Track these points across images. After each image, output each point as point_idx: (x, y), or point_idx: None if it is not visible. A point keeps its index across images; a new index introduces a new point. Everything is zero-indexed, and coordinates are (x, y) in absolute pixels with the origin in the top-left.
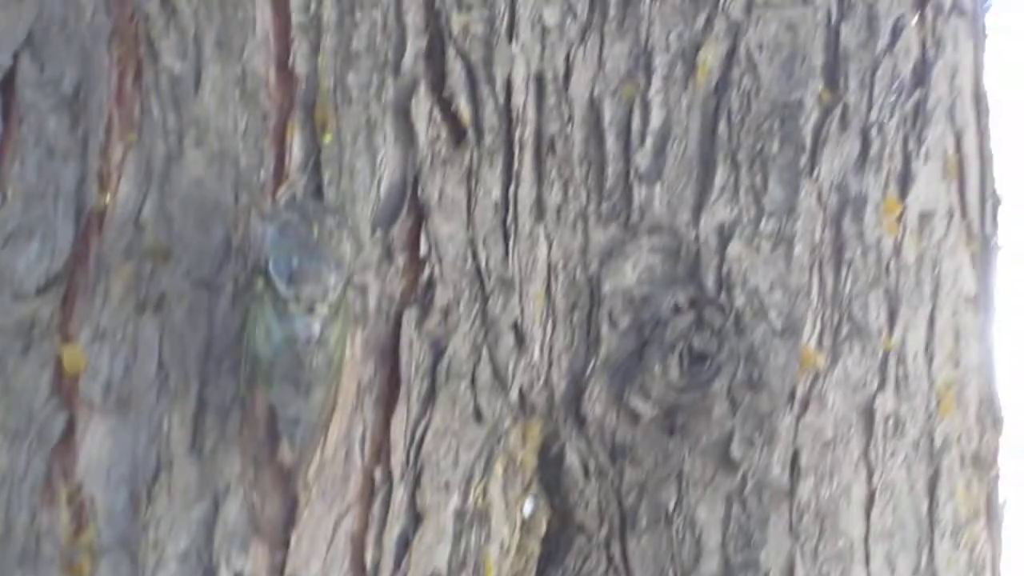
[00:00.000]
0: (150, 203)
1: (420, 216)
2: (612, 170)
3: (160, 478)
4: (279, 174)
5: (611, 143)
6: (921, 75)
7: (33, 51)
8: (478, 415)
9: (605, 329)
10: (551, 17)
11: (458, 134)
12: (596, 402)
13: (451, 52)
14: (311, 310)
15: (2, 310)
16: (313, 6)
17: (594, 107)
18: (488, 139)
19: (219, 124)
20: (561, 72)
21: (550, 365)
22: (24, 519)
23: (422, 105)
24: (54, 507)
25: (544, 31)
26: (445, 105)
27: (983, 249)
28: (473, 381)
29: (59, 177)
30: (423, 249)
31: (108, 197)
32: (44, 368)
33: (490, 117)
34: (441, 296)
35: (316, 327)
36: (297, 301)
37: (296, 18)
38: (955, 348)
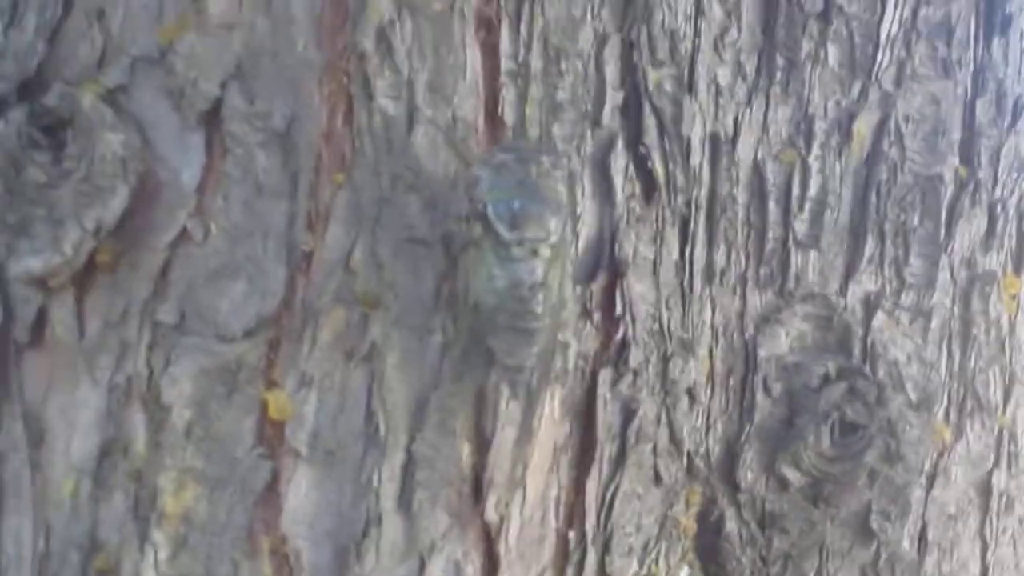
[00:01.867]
0: (360, 247)
1: (616, 274)
2: (772, 235)
3: (369, 534)
4: None
5: (772, 208)
6: None
7: (242, 82)
8: (657, 479)
9: (760, 396)
10: (724, 77)
11: (649, 191)
12: (748, 469)
13: (647, 108)
14: (535, 253)
15: (206, 351)
16: (522, 53)
17: (757, 170)
18: (676, 198)
19: (431, 169)
20: (731, 133)
21: (708, 429)
22: (225, 572)
23: (619, 160)
24: (256, 560)
25: (718, 91)
26: (640, 161)
27: None
28: (655, 444)
29: (268, 215)
30: (619, 308)
31: (316, 239)
32: (248, 414)
33: (678, 176)
34: (634, 357)
35: (540, 270)
36: (520, 245)
37: (505, 64)
38: None
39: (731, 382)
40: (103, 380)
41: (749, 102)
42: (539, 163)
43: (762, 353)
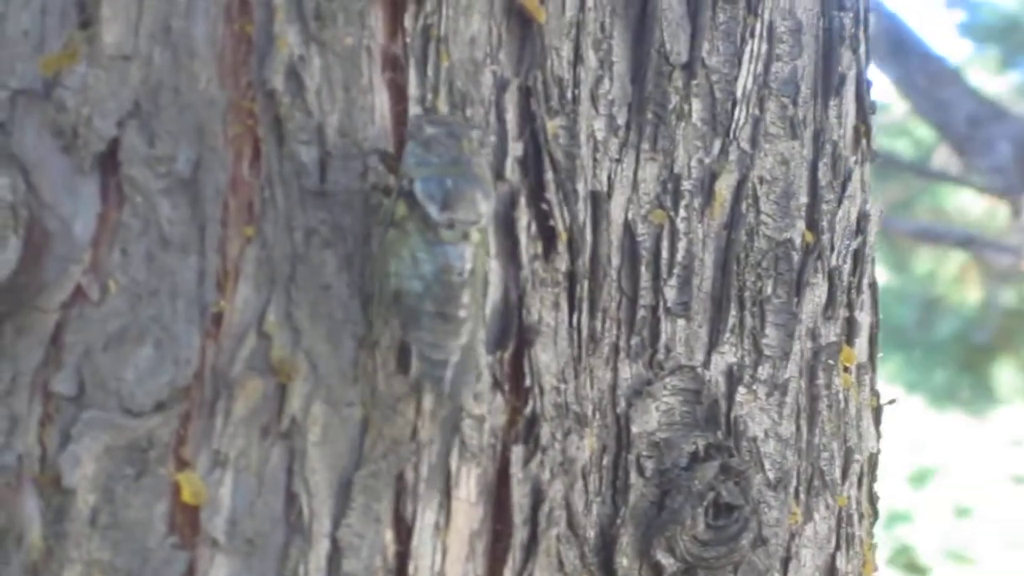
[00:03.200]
0: (274, 309)
1: (523, 343)
2: (643, 302)
3: None
4: None
5: (643, 272)
6: (861, 222)
7: (141, 121)
8: (561, 566)
9: (633, 475)
10: (600, 131)
11: (548, 251)
12: (624, 555)
13: (546, 160)
14: (466, 236)
15: (111, 427)
16: (429, 97)
17: (629, 231)
18: (573, 259)
19: (346, 223)
20: (606, 190)
21: (586, 512)
22: None
23: (523, 217)
24: None
25: (595, 145)
26: (541, 219)
27: (878, 405)
28: (558, 529)
29: (175, 272)
30: (528, 380)
31: (226, 299)
32: (160, 499)
33: (575, 236)
34: (544, 433)
35: (470, 255)
36: (451, 227)
37: (413, 109)
38: (866, 507)
39: (604, 460)
40: None
41: (620, 158)
42: (469, 138)
43: (635, 429)
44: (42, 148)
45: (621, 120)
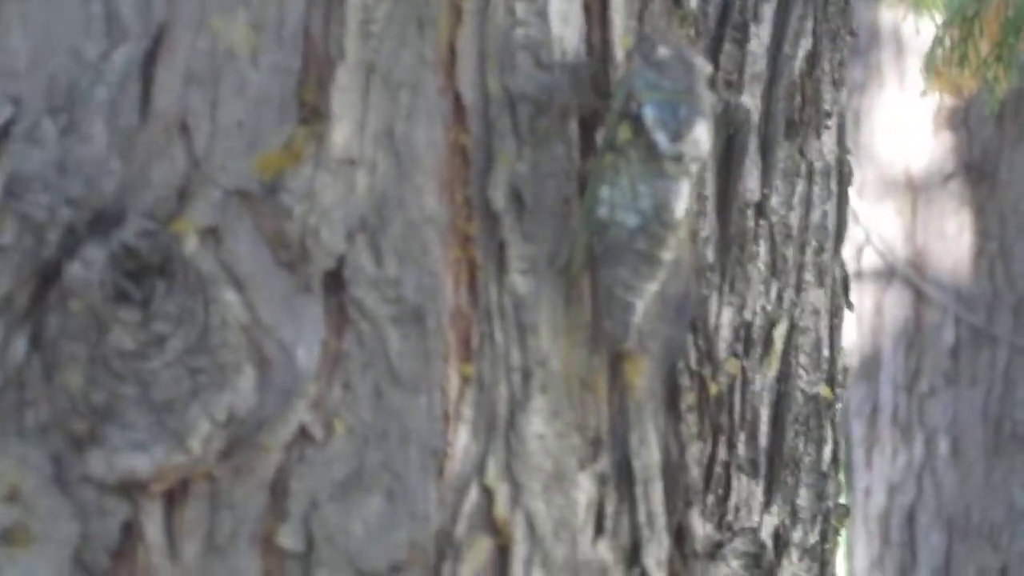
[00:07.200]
0: (493, 461)
1: (686, 504)
2: (719, 457)
3: None
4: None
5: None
6: (844, 375)
7: (369, 237)
8: None
9: None
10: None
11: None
12: None
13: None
14: (687, 173)
15: None
16: None
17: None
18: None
19: (557, 366)
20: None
21: None
22: None
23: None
24: None
25: None
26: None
27: None
28: None
29: (405, 412)
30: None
31: (448, 446)
32: None
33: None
34: None
35: (687, 194)
36: (678, 160)
37: None
38: None
39: None
40: None
41: (704, 301)
42: (699, 67)
43: None
44: (258, 260)
45: (711, 259)
